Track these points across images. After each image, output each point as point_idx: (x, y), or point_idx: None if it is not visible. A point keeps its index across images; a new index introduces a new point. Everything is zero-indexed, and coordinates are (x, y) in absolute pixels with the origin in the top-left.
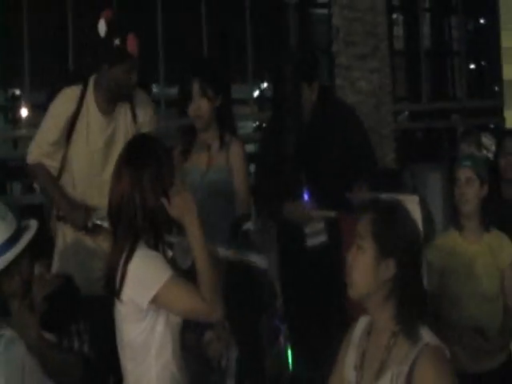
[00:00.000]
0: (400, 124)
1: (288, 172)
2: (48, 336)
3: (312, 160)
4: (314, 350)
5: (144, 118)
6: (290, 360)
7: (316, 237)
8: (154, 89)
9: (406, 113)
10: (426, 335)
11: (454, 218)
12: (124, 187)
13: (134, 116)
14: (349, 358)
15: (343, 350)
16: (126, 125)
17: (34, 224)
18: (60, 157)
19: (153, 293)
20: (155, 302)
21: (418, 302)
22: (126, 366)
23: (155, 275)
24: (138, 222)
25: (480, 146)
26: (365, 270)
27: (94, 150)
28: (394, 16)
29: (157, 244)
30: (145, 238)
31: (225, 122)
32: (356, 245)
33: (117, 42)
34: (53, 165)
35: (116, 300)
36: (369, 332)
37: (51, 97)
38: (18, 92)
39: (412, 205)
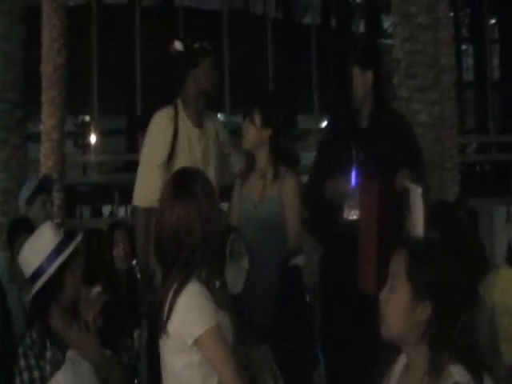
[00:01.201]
0: (466, 156)
1: (339, 148)
2: (106, 353)
3: (364, 149)
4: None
5: (224, 139)
6: None
7: (353, 212)
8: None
9: (474, 145)
10: (457, 374)
11: (508, 255)
12: (180, 220)
13: (217, 134)
14: None
15: None
16: (213, 139)
17: (79, 235)
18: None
19: (199, 333)
20: (197, 344)
21: (450, 341)
22: None
23: (202, 317)
24: (197, 254)
25: None
26: (398, 310)
27: (194, 162)
28: (464, 47)
29: (208, 279)
30: (197, 272)
31: (278, 153)
32: (389, 284)
33: (196, 45)
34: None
35: (162, 332)
36: (406, 369)
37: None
38: (87, 118)
39: (415, 196)
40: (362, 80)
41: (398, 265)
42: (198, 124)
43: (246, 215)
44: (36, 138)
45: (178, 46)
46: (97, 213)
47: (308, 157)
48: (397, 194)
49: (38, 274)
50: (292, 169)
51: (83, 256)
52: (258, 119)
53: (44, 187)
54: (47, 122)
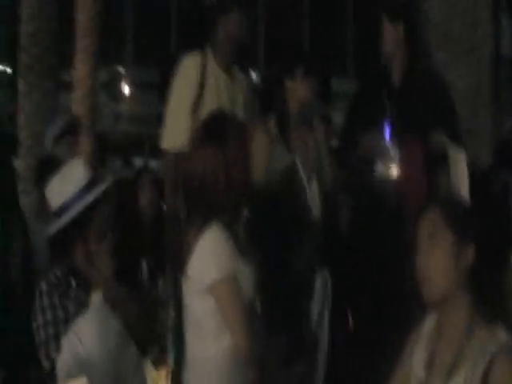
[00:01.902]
0: (501, 133)
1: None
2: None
3: (398, 104)
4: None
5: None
6: None
7: (387, 168)
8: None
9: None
10: (502, 335)
11: None
12: (208, 163)
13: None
14: (417, 355)
15: (410, 348)
16: (240, 85)
17: (110, 177)
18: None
19: (213, 278)
20: (210, 289)
21: (497, 298)
22: (188, 339)
23: (218, 263)
24: (220, 200)
25: None
26: (445, 263)
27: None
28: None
29: (231, 223)
30: (220, 217)
31: None
32: (428, 243)
33: None
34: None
35: (182, 274)
36: (438, 330)
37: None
38: (121, 69)
39: (457, 159)
40: (391, 32)
41: (434, 219)
42: (227, 71)
43: None
44: (69, 87)
45: None
46: (127, 164)
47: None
48: (433, 153)
49: (65, 207)
50: None
51: (113, 200)
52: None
53: (72, 128)
54: (80, 69)
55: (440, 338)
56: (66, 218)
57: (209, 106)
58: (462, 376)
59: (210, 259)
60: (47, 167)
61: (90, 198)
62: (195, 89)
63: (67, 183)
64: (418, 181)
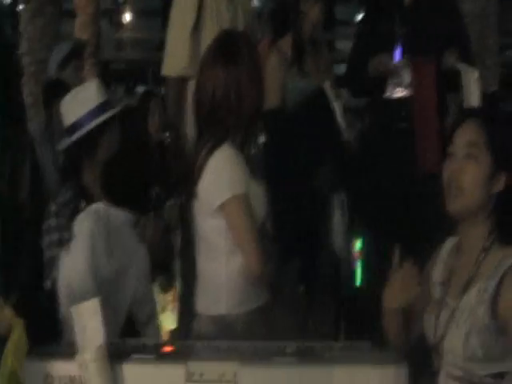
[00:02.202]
0: (507, 57)
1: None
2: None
3: (409, 24)
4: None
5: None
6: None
7: (398, 89)
8: None
9: None
10: None
11: None
12: (219, 82)
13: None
14: (435, 274)
15: (429, 267)
16: (242, 7)
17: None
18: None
19: (226, 197)
20: (222, 208)
21: None
22: (199, 261)
23: (231, 182)
24: (231, 119)
25: None
26: (479, 179)
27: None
28: None
29: (243, 144)
30: (231, 136)
31: None
32: (466, 153)
33: None
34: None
35: (192, 194)
36: (457, 250)
37: None
38: None
39: (470, 77)
40: None
41: (477, 133)
42: None
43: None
44: (72, 14)
45: None
46: (131, 91)
47: (345, 47)
48: (445, 72)
49: (78, 125)
50: None
51: (123, 123)
52: None
53: (77, 53)
54: None
55: (458, 257)
56: (77, 135)
57: (209, 29)
58: (475, 290)
59: (221, 178)
60: (54, 90)
61: (101, 118)
62: (194, 12)
63: (81, 102)
64: (430, 100)
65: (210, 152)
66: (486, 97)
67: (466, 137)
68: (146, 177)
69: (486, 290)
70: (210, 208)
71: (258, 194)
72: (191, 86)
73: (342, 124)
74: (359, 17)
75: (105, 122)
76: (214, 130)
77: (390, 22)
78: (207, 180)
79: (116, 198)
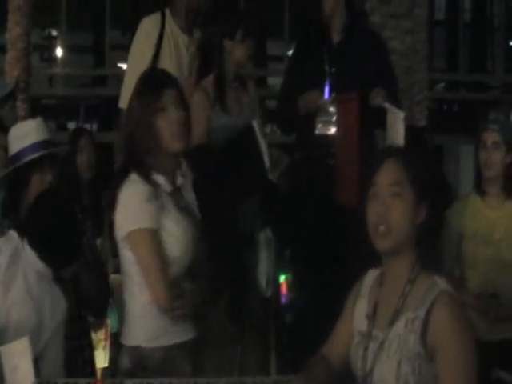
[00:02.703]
0: (435, 93)
1: (311, 64)
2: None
3: (338, 63)
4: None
5: None
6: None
7: (326, 126)
8: None
9: (443, 84)
10: (442, 282)
11: (476, 183)
12: (138, 117)
13: None
14: (359, 308)
15: (351, 302)
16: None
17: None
18: None
19: (129, 230)
20: (129, 239)
21: (438, 249)
22: (122, 291)
23: (135, 215)
24: (151, 153)
25: (508, 117)
26: (405, 214)
27: (180, 68)
28: None
29: (166, 180)
30: (145, 170)
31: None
32: (390, 193)
33: None
34: None
35: (111, 224)
36: (380, 282)
37: None
38: (54, 32)
39: (395, 117)
40: None
41: (397, 171)
42: (187, 31)
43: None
44: (2, 49)
45: None
46: (62, 127)
47: (277, 83)
48: (371, 110)
49: (16, 156)
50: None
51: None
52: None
53: (14, 94)
54: (13, 30)
55: (382, 289)
56: (13, 166)
57: (167, 65)
58: (403, 320)
59: (128, 210)
60: None
61: (38, 154)
62: (152, 49)
63: (23, 136)
64: (352, 136)
65: (122, 183)
66: (413, 131)
67: (389, 176)
68: (73, 223)
69: (416, 320)
70: (119, 238)
71: (173, 228)
72: None
73: (266, 163)
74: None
75: (40, 159)
76: (131, 163)
77: (320, 60)
78: (117, 211)
79: (38, 244)
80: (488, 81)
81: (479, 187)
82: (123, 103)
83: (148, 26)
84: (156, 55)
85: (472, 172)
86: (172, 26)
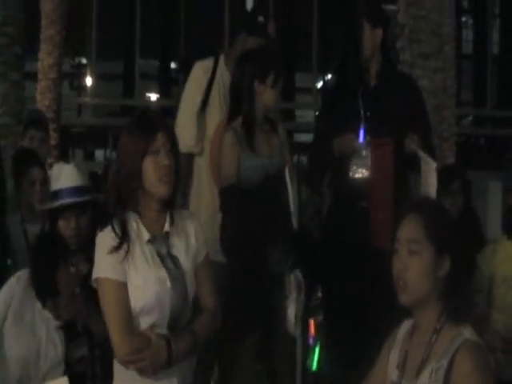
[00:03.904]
0: (463, 128)
1: (348, 103)
2: None
3: (373, 107)
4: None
5: None
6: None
7: (360, 170)
8: None
9: (471, 118)
10: (467, 332)
11: (508, 226)
12: (128, 164)
13: None
14: (392, 358)
15: (386, 351)
16: None
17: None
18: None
19: (95, 276)
20: (96, 284)
21: (466, 299)
22: None
23: (98, 265)
24: (135, 198)
25: None
26: (423, 272)
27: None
28: (464, 19)
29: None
30: (132, 216)
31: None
32: (408, 250)
33: (260, 18)
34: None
35: None
36: (411, 333)
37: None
38: (84, 60)
39: (428, 167)
40: (371, 36)
41: (417, 230)
42: None
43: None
44: (34, 77)
45: (249, 2)
46: (89, 156)
47: (305, 115)
48: (405, 155)
49: (57, 195)
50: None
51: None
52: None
53: (34, 123)
54: (45, 60)
55: (412, 340)
56: (58, 202)
57: (216, 111)
58: (428, 371)
59: (96, 257)
60: (26, 159)
61: (72, 200)
62: (201, 94)
63: (64, 177)
64: (387, 181)
65: (96, 232)
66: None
67: (407, 234)
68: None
69: (440, 370)
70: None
71: (138, 281)
72: (197, 161)
73: (292, 209)
74: (319, 84)
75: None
76: (113, 208)
77: (355, 103)
78: (94, 257)
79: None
80: None
81: (511, 230)
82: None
83: (199, 72)
84: (204, 102)
85: (499, 207)
86: (224, 73)
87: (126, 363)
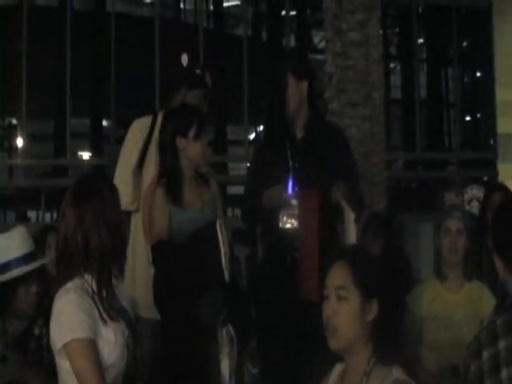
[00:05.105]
0: (393, 172)
1: (275, 157)
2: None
3: (301, 158)
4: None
5: None
6: None
7: (290, 220)
8: None
9: (401, 161)
10: (396, 372)
11: (437, 267)
12: (67, 227)
13: None
14: None
15: None
16: None
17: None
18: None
19: (65, 341)
20: (65, 350)
21: (394, 340)
22: None
23: (71, 326)
24: (80, 261)
25: (462, 197)
26: (351, 317)
27: None
28: (392, 65)
29: (99, 286)
30: (80, 279)
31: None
32: (336, 296)
33: (198, 71)
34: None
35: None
36: (342, 377)
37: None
38: (14, 121)
39: (348, 217)
40: (296, 90)
41: (343, 276)
42: None
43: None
44: None
45: (184, 58)
46: (22, 217)
47: (237, 167)
48: (332, 205)
49: (6, 266)
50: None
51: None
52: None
53: None
54: None
55: (343, 383)
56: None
57: (152, 170)
58: None
59: (63, 323)
60: None
61: (27, 267)
62: (137, 153)
63: (9, 248)
64: (313, 231)
65: (56, 295)
66: (378, 218)
67: (335, 281)
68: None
69: None
70: (55, 349)
71: (110, 338)
72: (133, 218)
73: (224, 264)
74: (251, 136)
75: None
76: (63, 271)
77: (283, 155)
78: (53, 322)
79: None
80: (445, 158)
81: (440, 271)
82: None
83: (136, 130)
84: (141, 160)
85: (431, 248)
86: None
87: None
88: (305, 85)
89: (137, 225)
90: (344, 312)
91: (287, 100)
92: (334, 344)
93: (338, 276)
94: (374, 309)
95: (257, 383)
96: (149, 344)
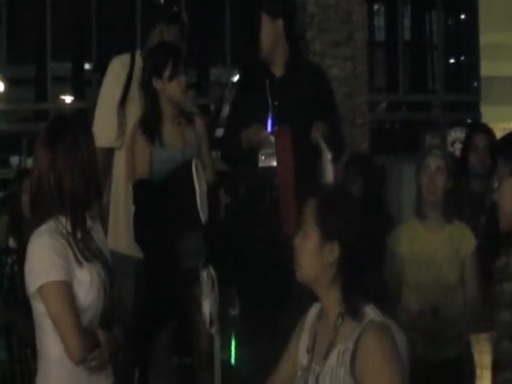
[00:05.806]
0: (376, 114)
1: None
2: None
3: (280, 96)
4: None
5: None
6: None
7: (269, 159)
8: None
9: (384, 104)
10: (371, 313)
11: (418, 207)
12: (40, 168)
13: None
14: (302, 343)
15: (296, 336)
16: None
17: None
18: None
19: (40, 283)
20: (40, 293)
21: (362, 283)
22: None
23: (45, 269)
24: (54, 203)
25: (444, 139)
26: (309, 254)
27: None
28: (376, 7)
29: (74, 227)
30: (55, 220)
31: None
32: (302, 231)
33: (175, 8)
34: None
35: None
36: (320, 316)
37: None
38: None
39: (326, 158)
40: (271, 29)
41: (310, 213)
42: None
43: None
44: None
45: None
46: (4, 163)
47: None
48: (311, 143)
49: None
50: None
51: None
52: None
53: None
54: None
55: (320, 323)
56: None
57: (135, 107)
58: (335, 353)
59: (37, 265)
60: None
61: None
62: (121, 89)
63: None
64: (288, 168)
65: (31, 238)
66: (359, 159)
67: (304, 217)
68: None
69: (346, 352)
70: (30, 292)
71: (86, 279)
72: (117, 155)
73: (198, 204)
74: (235, 78)
75: None
76: (37, 213)
77: (263, 93)
78: (27, 265)
79: None
80: (428, 100)
81: (420, 211)
82: (96, 141)
83: (118, 66)
84: (124, 97)
85: (413, 191)
86: (141, 69)
87: (82, 363)
88: (280, 23)
89: (119, 162)
90: (305, 248)
91: (261, 39)
92: (299, 276)
93: (307, 213)
94: (334, 251)
95: (237, 324)
96: (131, 284)
